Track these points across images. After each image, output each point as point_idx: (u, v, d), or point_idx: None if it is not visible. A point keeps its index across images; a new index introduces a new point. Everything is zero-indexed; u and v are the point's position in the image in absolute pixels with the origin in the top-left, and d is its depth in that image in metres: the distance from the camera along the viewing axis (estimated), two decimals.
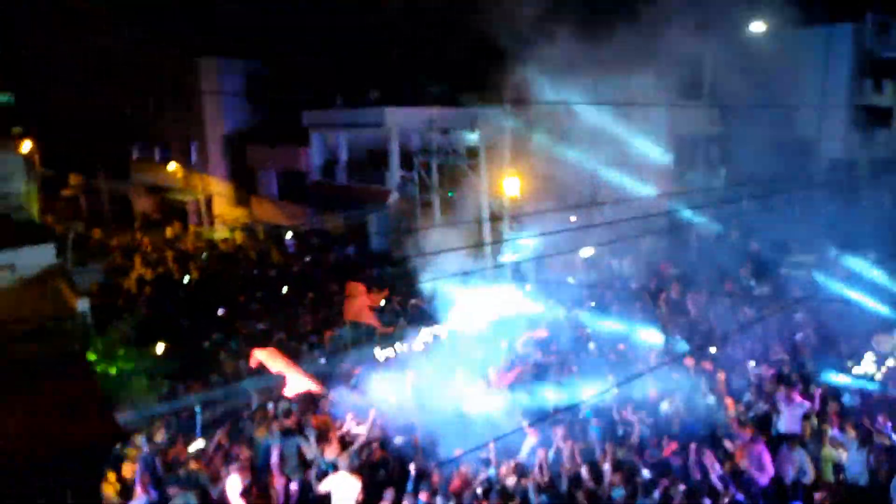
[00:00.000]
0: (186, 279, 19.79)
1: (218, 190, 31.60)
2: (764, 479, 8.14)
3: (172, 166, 32.24)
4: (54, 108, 33.05)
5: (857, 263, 17.28)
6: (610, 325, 14.07)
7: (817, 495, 7.71)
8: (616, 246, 21.65)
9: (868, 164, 27.20)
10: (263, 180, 30.74)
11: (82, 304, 12.55)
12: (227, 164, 31.81)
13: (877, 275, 13.63)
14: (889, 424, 8.56)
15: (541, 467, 8.02)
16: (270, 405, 10.17)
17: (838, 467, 8.58)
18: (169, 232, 29.35)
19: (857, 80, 28.63)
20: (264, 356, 10.52)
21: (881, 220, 24.37)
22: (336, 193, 26.16)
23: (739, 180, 22.28)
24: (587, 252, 22.05)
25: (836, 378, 10.47)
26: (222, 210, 31.23)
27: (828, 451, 8.85)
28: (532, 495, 7.52)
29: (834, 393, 9.98)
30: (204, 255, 23.70)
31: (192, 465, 7.71)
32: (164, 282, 19.68)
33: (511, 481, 7.88)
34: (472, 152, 23.10)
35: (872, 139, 28.95)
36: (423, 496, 7.47)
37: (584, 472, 7.95)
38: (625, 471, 8.03)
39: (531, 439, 8.91)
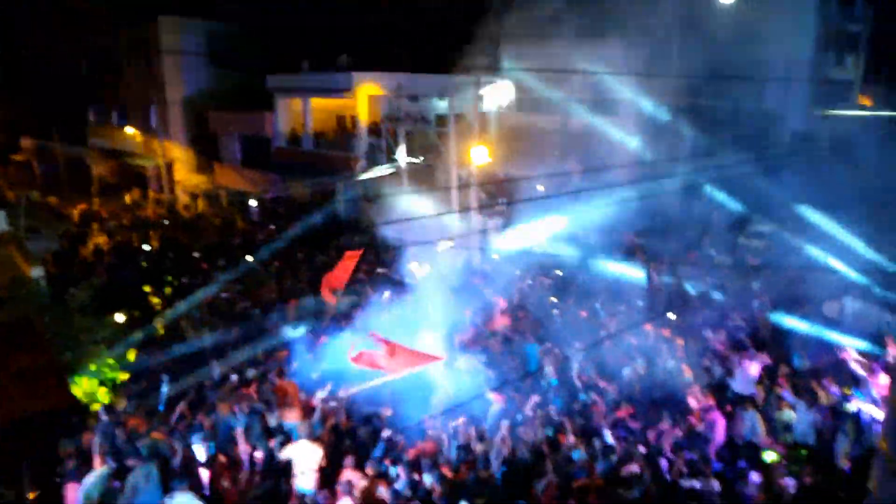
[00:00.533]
0: (147, 247, 19.32)
1: (179, 155, 30.75)
2: (717, 441, 8.46)
3: (131, 130, 31.21)
4: (5, 67, 31.58)
5: (816, 228, 17.83)
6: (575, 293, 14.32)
7: (767, 455, 8.04)
8: (583, 216, 21.92)
9: (828, 138, 27.84)
10: (226, 146, 30.00)
11: (36, 272, 12.18)
12: (188, 128, 30.89)
13: (834, 241, 14.11)
14: (834, 386, 8.92)
15: (503, 439, 8.14)
16: (234, 377, 10.10)
17: (787, 427, 8.95)
18: (128, 198, 28.53)
19: (820, 54, 29.08)
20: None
21: (839, 192, 25.07)
22: (302, 160, 25.71)
23: (704, 152, 22.58)
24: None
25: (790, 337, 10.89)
26: (183, 176, 30.45)
27: (780, 412, 9.24)
28: (494, 462, 7.63)
29: (785, 357, 10.37)
30: (165, 222, 23.15)
31: (154, 436, 7.62)
32: (123, 250, 19.18)
33: (477, 447, 7.97)
34: (442, 120, 22.91)
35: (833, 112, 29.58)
36: (385, 462, 7.55)
37: (543, 439, 8.12)
38: (586, 435, 8.23)
39: (496, 406, 9.04)
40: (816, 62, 28.86)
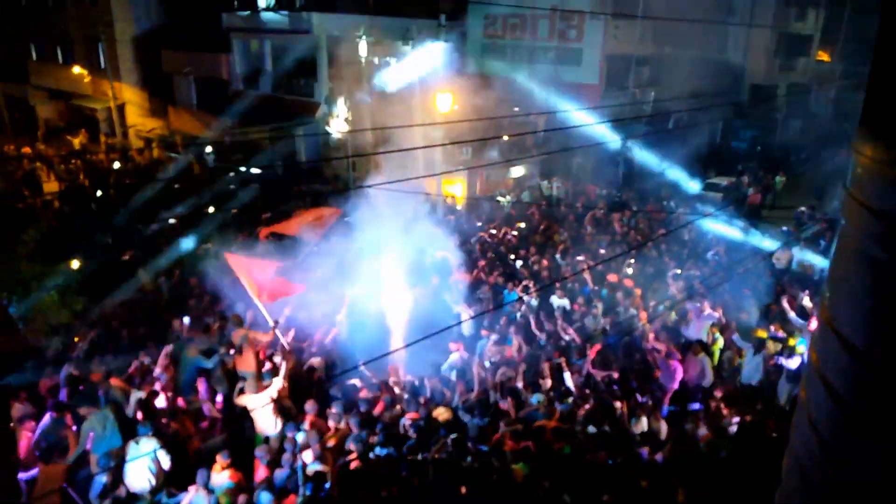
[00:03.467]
0: (99, 193, 18.64)
1: (131, 98, 29.35)
2: (673, 385, 8.77)
3: (78, 70, 29.55)
4: None
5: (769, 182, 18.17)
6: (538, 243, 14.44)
7: (716, 393, 8.42)
8: (546, 167, 22.00)
9: (786, 90, 28.28)
10: (181, 88, 28.74)
11: None
12: (140, 69, 29.41)
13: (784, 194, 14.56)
14: (780, 332, 9.33)
15: (469, 382, 8.28)
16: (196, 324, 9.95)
17: (735, 370, 9.38)
18: (77, 142, 27.27)
19: (782, 7, 29.20)
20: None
21: (792, 146, 25.64)
22: (261, 105, 24.87)
23: (667, 102, 22.70)
24: (517, 172, 22.28)
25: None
26: (136, 120, 29.17)
27: (729, 356, 9.67)
28: (458, 405, 7.77)
29: (736, 304, 10.77)
30: (117, 166, 22.31)
31: (112, 382, 7.50)
32: (75, 195, 18.48)
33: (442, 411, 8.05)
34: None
35: (792, 66, 29.95)
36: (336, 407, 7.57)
37: (517, 380, 8.32)
38: (553, 376, 8.41)
39: (455, 355, 9.17)
40: (779, 14, 28.98)
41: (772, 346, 9.15)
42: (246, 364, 8.29)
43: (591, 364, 8.85)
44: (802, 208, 16.87)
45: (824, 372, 1.23)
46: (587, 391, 8.20)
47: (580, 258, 13.16)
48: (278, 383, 7.65)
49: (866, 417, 1.11)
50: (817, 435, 1.25)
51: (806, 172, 23.56)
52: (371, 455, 6.76)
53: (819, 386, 1.24)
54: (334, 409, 7.53)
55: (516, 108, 22.63)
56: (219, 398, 8.19)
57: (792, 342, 9.03)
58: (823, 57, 33.13)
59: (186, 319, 9.87)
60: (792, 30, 29.68)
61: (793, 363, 8.52)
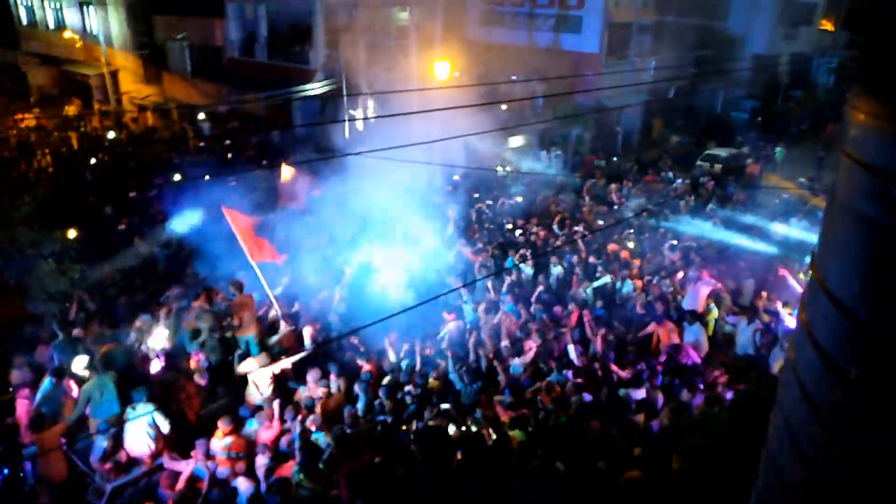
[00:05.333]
0: (93, 161, 18.48)
1: (124, 64, 28.89)
2: (685, 360, 8.74)
3: (69, 34, 29.03)
4: None
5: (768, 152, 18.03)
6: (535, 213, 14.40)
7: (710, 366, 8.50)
8: (544, 137, 21.83)
9: (789, 60, 27.94)
10: (175, 55, 28.27)
11: None
12: (133, 34, 28.88)
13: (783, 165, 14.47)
14: (777, 303, 9.38)
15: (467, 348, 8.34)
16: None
17: (730, 341, 9.46)
18: (71, 110, 26.92)
19: None
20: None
21: (793, 117, 25.43)
22: (256, 72, 24.53)
23: (668, 71, 22.43)
24: (516, 142, 22.10)
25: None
26: (130, 87, 28.76)
27: (723, 326, 9.73)
28: (453, 373, 7.81)
29: (732, 276, 10.81)
30: (113, 135, 22.08)
31: (110, 346, 7.52)
32: (69, 163, 18.33)
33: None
34: (403, 32, 22.01)
35: (795, 35, 29.53)
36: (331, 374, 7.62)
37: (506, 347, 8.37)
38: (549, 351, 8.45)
39: (451, 325, 9.21)
40: None
41: (766, 317, 9.21)
42: (247, 331, 8.32)
43: (590, 332, 8.86)
44: (802, 179, 16.82)
45: (813, 331, 1.24)
46: (585, 360, 8.24)
47: (577, 228, 13.13)
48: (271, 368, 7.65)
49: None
50: (805, 394, 1.26)
51: (806, 143, 23.44)
52: (369, 422, 6.85)
53: (808, 345, 1.25)
54: (332, 376, 7.62)
55: (514, 77, 22.36)
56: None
57: (790, 309, 9.08)
58: (826, 26, 32.64)
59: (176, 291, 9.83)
60: None
61: (790, 322, 8.53)
